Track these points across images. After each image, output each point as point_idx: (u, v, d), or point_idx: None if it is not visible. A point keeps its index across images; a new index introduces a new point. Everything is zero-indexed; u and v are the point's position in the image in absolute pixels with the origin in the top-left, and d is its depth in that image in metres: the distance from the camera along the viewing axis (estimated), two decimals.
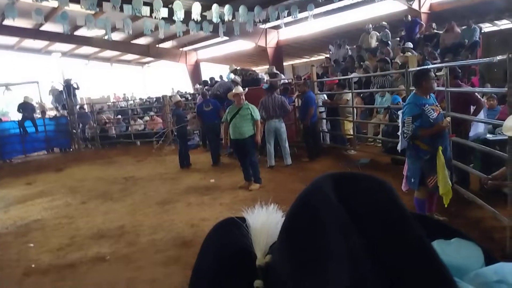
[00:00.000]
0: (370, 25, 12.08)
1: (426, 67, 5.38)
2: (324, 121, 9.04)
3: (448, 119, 4.08)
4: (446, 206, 4.03)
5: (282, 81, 10.25)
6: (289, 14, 12.83)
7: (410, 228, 0.45)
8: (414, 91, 4.13)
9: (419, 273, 0.42)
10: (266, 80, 9.79)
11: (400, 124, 4.24)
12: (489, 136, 5.15)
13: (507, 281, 0.45)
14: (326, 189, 0.47)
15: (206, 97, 9.03)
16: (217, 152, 8.83)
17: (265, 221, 0.54)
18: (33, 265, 4.24)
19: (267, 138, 7.73)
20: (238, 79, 9.98)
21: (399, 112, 4.20)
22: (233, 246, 0.55)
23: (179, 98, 9.39)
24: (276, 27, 16.41)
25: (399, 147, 4.44)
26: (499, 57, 3.93)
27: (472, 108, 5.14)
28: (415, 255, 0.43)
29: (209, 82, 12.88)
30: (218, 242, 0.59)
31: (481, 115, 5.11)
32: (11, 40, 19.18)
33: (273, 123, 7.62)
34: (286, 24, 14.96)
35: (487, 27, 12.84)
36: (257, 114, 6.48)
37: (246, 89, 7.22)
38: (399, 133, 4.43)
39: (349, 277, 0.41)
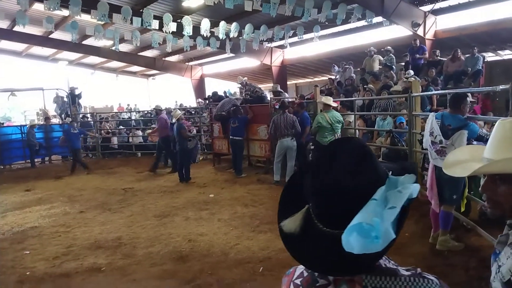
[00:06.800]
0: (373, 49, 12.20)
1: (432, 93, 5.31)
2: None
3: None
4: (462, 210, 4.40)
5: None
6: (294, 35, 13.02)
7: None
8: (448, 111, 4.22)
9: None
10: (270, 98, 9.85)
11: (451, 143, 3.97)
12: None
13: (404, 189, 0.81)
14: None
15: (236, 115, 9.13)
16: (241, 165, 9.26)
17: None
18: (28, 273, 4.21)
19: (276, 156, 7.79)
20: (238, 95, 10.14)
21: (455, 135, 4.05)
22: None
23: (179, 113, 9.38)
24: (282, 47, 16.62)
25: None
26: (501, 87, 3.98)
27: None
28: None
29: (212, 96, 12.84)
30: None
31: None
32: (20, 46, 19.44)
33: (285, 142, 7.70)
34: (292, 44, 15.15)
35: (490, 56, 12.99)
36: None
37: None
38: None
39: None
